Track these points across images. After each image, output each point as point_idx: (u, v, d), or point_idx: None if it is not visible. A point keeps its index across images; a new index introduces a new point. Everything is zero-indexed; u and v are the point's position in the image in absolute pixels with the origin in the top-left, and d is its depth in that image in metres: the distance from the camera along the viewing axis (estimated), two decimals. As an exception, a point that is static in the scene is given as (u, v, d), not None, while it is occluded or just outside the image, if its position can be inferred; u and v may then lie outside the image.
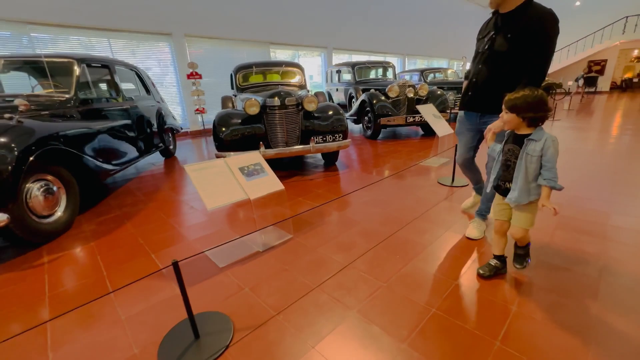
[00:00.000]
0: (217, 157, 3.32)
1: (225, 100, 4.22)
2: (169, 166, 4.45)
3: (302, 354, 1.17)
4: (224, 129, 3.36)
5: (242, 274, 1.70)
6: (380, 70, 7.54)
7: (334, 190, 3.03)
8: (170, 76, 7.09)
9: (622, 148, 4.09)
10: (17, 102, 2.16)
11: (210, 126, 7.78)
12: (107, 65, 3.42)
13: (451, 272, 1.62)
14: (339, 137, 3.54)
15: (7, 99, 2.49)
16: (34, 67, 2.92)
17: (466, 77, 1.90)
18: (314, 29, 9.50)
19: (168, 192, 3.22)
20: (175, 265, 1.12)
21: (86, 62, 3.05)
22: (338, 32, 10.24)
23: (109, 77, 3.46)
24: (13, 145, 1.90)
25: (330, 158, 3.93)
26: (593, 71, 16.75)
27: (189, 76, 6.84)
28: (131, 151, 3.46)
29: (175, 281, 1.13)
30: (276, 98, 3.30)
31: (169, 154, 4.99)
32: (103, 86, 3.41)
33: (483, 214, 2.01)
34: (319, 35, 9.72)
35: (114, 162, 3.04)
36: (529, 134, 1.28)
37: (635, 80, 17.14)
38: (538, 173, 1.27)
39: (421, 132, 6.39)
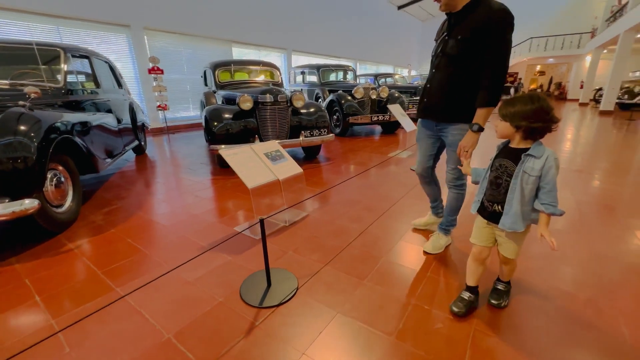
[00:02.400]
0: (211, 150, 3.46)
1: (208, 96, 4.29)
2: (144, 162, 4.35)
3: (356, 287, 1.53)
4: (215, 123, 3.50)
5: (280, 242, 1.99)
6: (341, 74, 8.12)
7: (328, 178, 3.41)
8: (128, 71, 6.69)
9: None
10: (28, 89, 2.09)
11: (173, 123, 7.56)
12: (87, 56, 3.31)
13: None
14: (324, 131, 3.93)
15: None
16: (15, 53, 2.73)
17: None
18: (275, 30, 9.73)
19: (160, 184, 3.25)
20: (261, 222, 1.40)
21: (71, 51, 2.95)
22: (297, 35, 10.62)
23: (89, 69, 3.34)
24: (38, 133, 1.89)
25: (314, 151, 4.30)
26: (508, 82, 19.84)
27: (150, 71, 6.56)
28: (119, 144, 3.39)
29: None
30: (268, 95, 3.56)
31: (140, 151, 4.82)
32: (84, 78, 3.28)
33: (446, 228, 1.85)
34: (280, 37, 9.98)
35: (107, 154, 2.99)
36: (525, 149, 1.10)
37: (539, 90, 20.74)
38: (534, 195, 1.10)
39: (381, 130, 7.12)
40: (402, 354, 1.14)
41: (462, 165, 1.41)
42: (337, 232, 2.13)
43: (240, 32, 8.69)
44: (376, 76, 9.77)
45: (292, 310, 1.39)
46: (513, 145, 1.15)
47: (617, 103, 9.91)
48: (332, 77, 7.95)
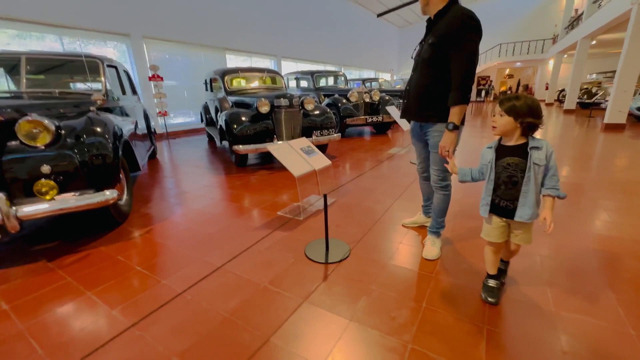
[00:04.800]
0: (234, 151, 3.79)
1: (222, 102, 4.59)
2: (159, 165, 4.58)
3: (395, 248, 1.95)
4: (235, 125, 3.84)
5: (322, 220, 2.38)
6: (332, 79, 8.61)
7: (341, 172, 3.82)
8: (128, 78, 6.82)
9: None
10: (94, 97, 2.36)
11: (174, 129, 7.74)
12: (114, 66, 3.56)
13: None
14: (332, 131, 4.35)
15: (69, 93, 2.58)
16: (58, 65, 2.96)
17: None
18: (265, 38, 10.10)
19: (188, 182, 3.54)
20: (325, 196, 1.80)
21: (106, 62, 3.21)
22: (286, 42, 11.03)
23: (117, 77, 3.59)
24: (110, 134, 2.19)
25: (322, 149, 4.70)
26: (481, 84, 21.17)
27: (151, 78, 6.75)
28: (147, 146, 3.65)
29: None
30: (283, 99, 3.94)
31: (153, 155, 5.04)
32: (116, 85, 3.52)
33: (436, 230, 1.90)
34: (270, 44, 10.36)
35: (142, 156, 3.26)
36: (525, 144, 1.20)
37: (508, 92, 22.28)
38: (541, 183, 1.21)
39: (370, 131, 7.65)
40: (427, 281, 1.57)
41: (448, 164, 1.48)
42: (366, 211, 2.54)
43: (233, 40, 8.99)
44: (363, 81, 10.38)
45: (351, 263, 1.78)
46: (511, 143, 1.24)
47: (578, 102, 11.02)
48: (326, 82, 8.43)
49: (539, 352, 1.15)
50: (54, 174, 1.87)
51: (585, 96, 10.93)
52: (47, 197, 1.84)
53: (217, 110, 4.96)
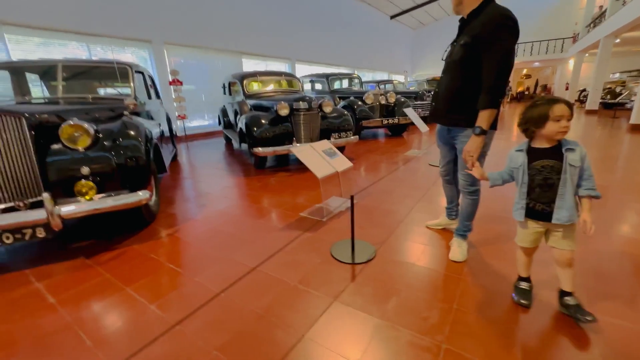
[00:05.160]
0: (254, 153, 3.86)
1: (242, 105, 4.70)
2: (180, 167, 4.72)
3: (420, 250, 1.95)
4: (255, 128, 3.92)
5: (344, 222, 2.40)
6: (346, 81, 8.64)
7: (362, 175, 3.84)
8: (150, 82, 7.06)
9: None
10: (127, 102, 2.47)
11: (191, 132, 7.94)
12: (141, 72, 3.70)
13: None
14: (350, 133, 4.38)
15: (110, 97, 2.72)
16: (90, 71, 3.11)
17: None
18: (280, 42, 10.24)
19: (210, 184, 3.63)
20: (352, 198, 1.82)
21: (134, 68, 3.34)
22: (300, 45, 11.15)
23: (143, 82, 3.73)
24: (143, 137, 2.28)
25: (340, 151, 4.72)
26: (497, 85, 20.75)
27: (171, 83, 6.96)
28: (170, 149, 3.77)
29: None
30: (301, 102, 3.99)
31: (174, 157, 5.18)
32: (142, 90, 3.67)
33: (463, 233, 1.87)
34: (284, 48, 10.49)
35: (167, 158, 3.37)
36: (557, 146, 1.20)
37: (526, 92, 21.75)
38: (577, 184, 1.19)
39: (384, 133, 7.63)
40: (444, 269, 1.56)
41: (470, 170, 1.44)
42: (387, 213, 2.55)
43: (249, 44, 9.16)
44: (377, 83, 10.35)
45: (378, 264, 1.80)
46: (544, 145, 1.22)
47: (601, 103, 10.67)
48: (337, 84, 8.46)
49: (575, 356, 1.14)
50: (93, 175, 1.97)
51: (608, 96, 10.58)
52: (87, 197, 1.94)
53: (236, 114, 5.06)
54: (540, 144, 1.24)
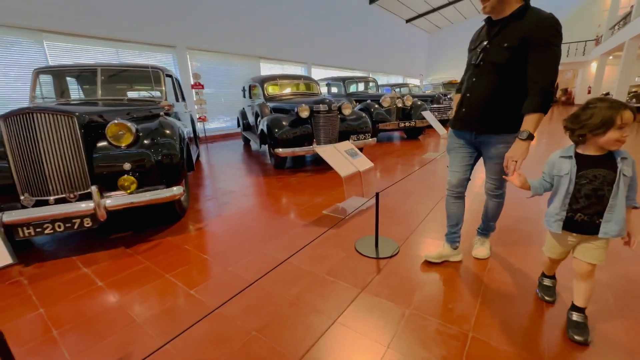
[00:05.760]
0: (276, 154, 3.99)
1: (262, 107, 4.85)
2: (201, 167, 4.90)
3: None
4: (277, 129, 4.05)
5: (369, 218, 2.47)
6: (362, 85, 8.72)
7: (381, 176, 3.90)
8: (173, 86, 7.35)
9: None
10: (162, 103, 2.64)
11: (211, 134, 8.18)
12: (170, 75, 3.90)
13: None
14: (368, 135, 4.45)
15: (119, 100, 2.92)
16: (121, 74, 3.32)
17: (458, 91, 1.76)
18: (297, 46, 10.45)
19: (233, 183, 3.77)
20: (377, 195, 1.90)
21: (165, 72, 3.54)
22: (316, 49, 11.33)
23: (172, 85, 3.93)
24: (177, 136, 2.43)
25: (356, 154, 4.80)
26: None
27: (193, 86, 7.22)
28: (195, 149, 3.94)
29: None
30: (322, 104, 4.10)
31: (197, 157, 5.38)
32: (171, 93, 3.86)
33: (486, 233, 1.89)
34: (301, 52, 10.69)
35: (193, 158, 3.54)
36: (609, 154, 1.11)
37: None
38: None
39: (400, 136, 7.66)
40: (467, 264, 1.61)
41: (507, 176, 1.36)
42: (408, 213, 2.61)
43: (266, 49, 9.39)
44: (392, 86, 10.38)
45: (402, 259, 1.87)
46: (594, 152, 1.13)
47: (625, 106, 10.32)
48: (353, 88, 8.55)
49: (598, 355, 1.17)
50: (133, 170, 2.12)
51: (634, 100, 10.24)
52: (128, 191, 2.09)
53: (257, 116, 5.22)
54: (588, 150, 1.14)
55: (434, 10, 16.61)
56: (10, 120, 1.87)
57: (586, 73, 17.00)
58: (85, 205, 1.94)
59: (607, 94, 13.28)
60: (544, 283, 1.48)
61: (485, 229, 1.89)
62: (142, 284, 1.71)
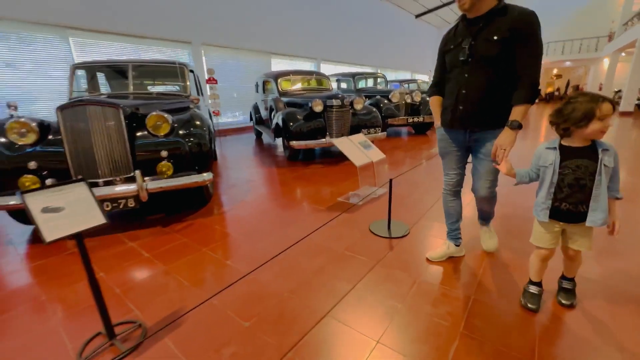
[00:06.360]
0: (292, 146, 4.21)
1: (277, 102, 5.07)
2: (218, 159, 5.14)
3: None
4: (291, 123, 4.26)
5: (380, 205, 2.68)
6: (371, 80, 8.87)
7: (391, 168, 4.10)
8: (188, 81, 7.60)
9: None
10: (192, 97, 2.87)
11: (223, 127, 8.43)
12: (192, 70, 4.13)
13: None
14: (378, 130, 4.64)
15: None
16: (149, 69, 3.56)
17: (433, 93, 1.78)
18: (306, 42, 10.60)
19: (251, 173, 4.01)
20: (390, 181, 2.10)
21: (188, 67, 3.77)
22: (326, 45, 11.46)
23: (194, 80, 4.16)
24: (207, 127, 2.66)
25: (366, 147, 5.00)
26: (525, 85, 20.15)
27: (208, 81, 7.45)
28: (214, 141, 4.18)
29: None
30: (335, 99, 4.29)
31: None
32: (193, 87, 4.09)
33: (488, 219, 1.94)
34: (311, 48, 10.84)
35: (214, 151, 3.78)
36: (591, 145, 1.18)
37: (556, 93, 20.99)
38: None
39: (411, 131, 7.80)
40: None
41: (498, 165, 1.39)
42: (417, 201, 2.81)
43: (278, 45, 9.57)
44: (401, 82, 10.49)
45: (413, 239, 2.08)
46: (577, 144, 1.19)
47: (636, 104, 10.28)
48: (366, 83, 8.70)
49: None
50: (169, 157, 2.36)
51: (645, 97, 10.18)
52: (165, 176, 2.33)
53: (271, 110, 5.44)
54: (572, 142, 1.21)
55: (444, 5, 16.52)
56: (67, 111, 2.11)
57: (598, 70, 16.79)
58: (130, 187, 2.18)
59: (619, 91, 13.16)
60: (529, 290, 1.43)
61: (488, 218, 1.93)
62: (183, 255, 1.95)
